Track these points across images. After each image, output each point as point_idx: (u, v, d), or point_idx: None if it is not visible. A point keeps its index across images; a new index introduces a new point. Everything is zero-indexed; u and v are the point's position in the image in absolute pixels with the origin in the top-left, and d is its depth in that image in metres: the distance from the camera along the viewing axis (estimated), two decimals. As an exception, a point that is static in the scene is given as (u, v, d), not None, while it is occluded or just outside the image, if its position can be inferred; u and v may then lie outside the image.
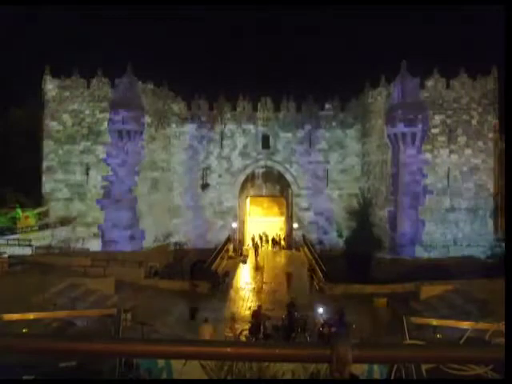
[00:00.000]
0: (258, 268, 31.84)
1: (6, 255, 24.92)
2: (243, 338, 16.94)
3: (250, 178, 42.04)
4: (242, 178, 41.34)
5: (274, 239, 42.57)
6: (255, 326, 17.70)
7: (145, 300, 22.12)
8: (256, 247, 36.83)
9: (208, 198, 40.89)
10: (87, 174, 35.42)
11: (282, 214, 45.96)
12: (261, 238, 42.19)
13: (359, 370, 3.15)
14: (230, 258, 36.31)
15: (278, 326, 18.03)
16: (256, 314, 18.49)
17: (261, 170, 41.89)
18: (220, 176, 41.00)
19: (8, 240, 28.45)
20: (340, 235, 40.40)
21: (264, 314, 18.65)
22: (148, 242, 37.01)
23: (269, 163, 41.37)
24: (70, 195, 35.38)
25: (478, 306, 19.00)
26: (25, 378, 3.11)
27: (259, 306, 19.70)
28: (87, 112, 35.46)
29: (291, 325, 17.90)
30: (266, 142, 41.02)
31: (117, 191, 35.34)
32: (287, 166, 41.11)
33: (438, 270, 28.43)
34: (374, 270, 31.98)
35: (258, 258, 34.13)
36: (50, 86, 35.71)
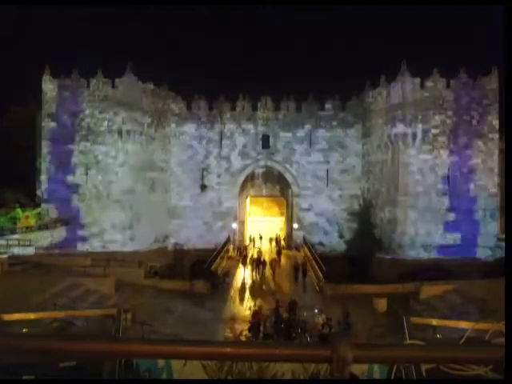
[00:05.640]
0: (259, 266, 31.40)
1: (6, 255, 24.93)
2: (243, 338, 16.94)
3: (250, 178, 42.01)
4: (241, 178, 41.31)
5: (274, 240, 41.86)
6: (255, 326, 17.71)
7: (145, 300, 22.13)
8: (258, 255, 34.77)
9: (208, 198, 40.87)
10: (86, 174, 35.39)
11: (282, 214, 45.94)
12: (260, 238, 42.18)
13: (359, 370, 3.15)
14: (230, 258, 36.31)
15: (279, 321, 17.97)
16: (256, 314, 18.51)
17: (261, 170, 41.86)
18: (219, 176, 40.96)
19: (8, 240, 28.45)
20: (340, 235, 40.36)
21: (264, 314, 18.69)
22: (148, 243, 37.01)
23: (269, 163, 41.34)
24: (69, 196, 35.34)
25: (478, 306, 19.00)
26: (25, 377, 3.11)
27: (260, 307, 19.72)
28: (87, 112, 35.44)
29: (292, 324, 17.91)
30: (265, 141, 40.98)
31: (116, 191, 35.35)
32: (287, 165, 41.07)
33: (438, 269, 28.46)
34: (374, 270, 31.97)
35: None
36: (50, 86, 35.68)
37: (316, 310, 19.46)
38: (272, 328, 17.93)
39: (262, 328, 17.79)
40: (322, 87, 43.38)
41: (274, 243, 41.45)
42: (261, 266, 29.92)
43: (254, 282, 28.54)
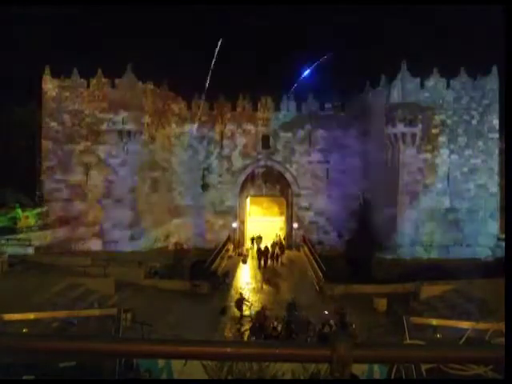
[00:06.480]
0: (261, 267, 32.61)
1: (6, 255, 24.91)
2: (244, 338, 16.92)
3: (250, 178, 42.05)
4: (242, 177, 41.33)
5: (271, 251, 35.27)
6: (257, 327, 17.57)
7: (145, 300, 22.13)
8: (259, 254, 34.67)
9: (208, 197, 40.89)
10: (87, 174, 35.38)
11: (282, 213, 45.95)
12: (260, 238, 41.68)
13: (359, 370, 3.14)
14: (230, 257, 36.30)
15: (277, 331, 17.69)
16: (259, 316, 18.35)
17: (261, 170, 41.89)
18: (220, 176, 41.00)
19: (8, 240, 28.44)
20: (340, 235, 40.37)
21: (266, 316, 18.55)
22: (148, 242, 37.00)
23: (269, 163, 41.36)
24: (70, 196, 35.33)
25: (478, 305, 18.99)
26: (25, 377, 3.11)
27: (263, 308, 19.44)
28: (87, 112, 35.42)
29: (292, 325, 17.86)
30: (266, 141, 41.01)
31: (117, 191, 35.34)
32: (287, 165, 41.09)
33: (438, 269, 28.41)
34: (374, 270, 31.95)
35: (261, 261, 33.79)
36: (50, 86, 35.67)
37: (326, 312, 19.33)
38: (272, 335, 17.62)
39: (272, 327, 17.54)
40: (322, 87, 43.25)
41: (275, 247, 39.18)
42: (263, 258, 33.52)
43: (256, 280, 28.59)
